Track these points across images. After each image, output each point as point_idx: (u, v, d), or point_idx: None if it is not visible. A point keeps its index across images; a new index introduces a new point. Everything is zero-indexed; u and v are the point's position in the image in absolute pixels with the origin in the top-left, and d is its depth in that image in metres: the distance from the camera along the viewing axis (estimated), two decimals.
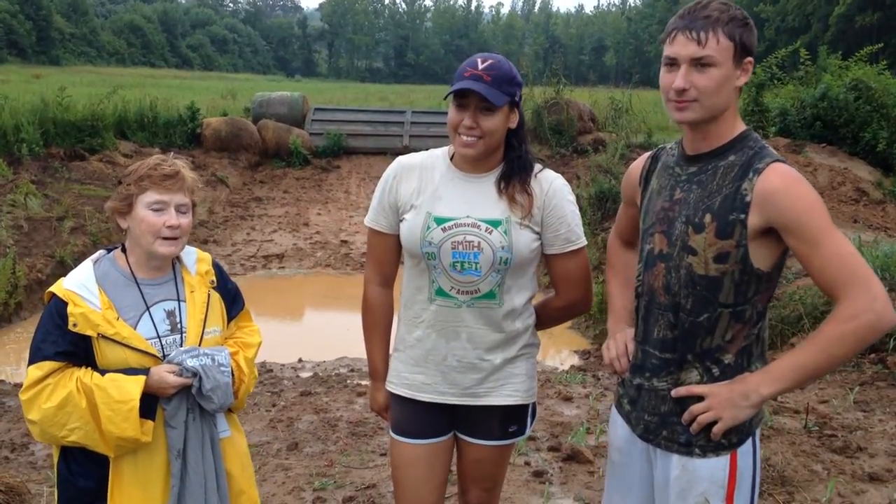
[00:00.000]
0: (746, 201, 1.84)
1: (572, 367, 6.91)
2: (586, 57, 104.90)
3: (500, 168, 2.35)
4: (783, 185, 1.81)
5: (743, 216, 1.85)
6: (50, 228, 9.84)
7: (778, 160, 1.86)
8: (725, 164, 1.92)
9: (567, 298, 2.47)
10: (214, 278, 2.38)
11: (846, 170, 12.11)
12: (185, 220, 2.23)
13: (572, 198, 2.39)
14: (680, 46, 1.88)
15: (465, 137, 2.25)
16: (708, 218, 1.90)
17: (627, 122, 15.11)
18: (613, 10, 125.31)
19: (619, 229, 2.40)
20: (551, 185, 2.35)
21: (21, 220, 9.74)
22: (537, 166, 2.38)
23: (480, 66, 2.22)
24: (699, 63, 1.87)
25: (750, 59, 1.89)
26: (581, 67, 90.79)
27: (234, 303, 2.44)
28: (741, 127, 1.96)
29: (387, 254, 2.47)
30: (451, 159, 2.39)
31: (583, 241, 2.39)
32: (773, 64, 14.75)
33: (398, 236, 2.41)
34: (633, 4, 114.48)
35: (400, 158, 2.46)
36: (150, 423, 2.11)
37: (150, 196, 2.16)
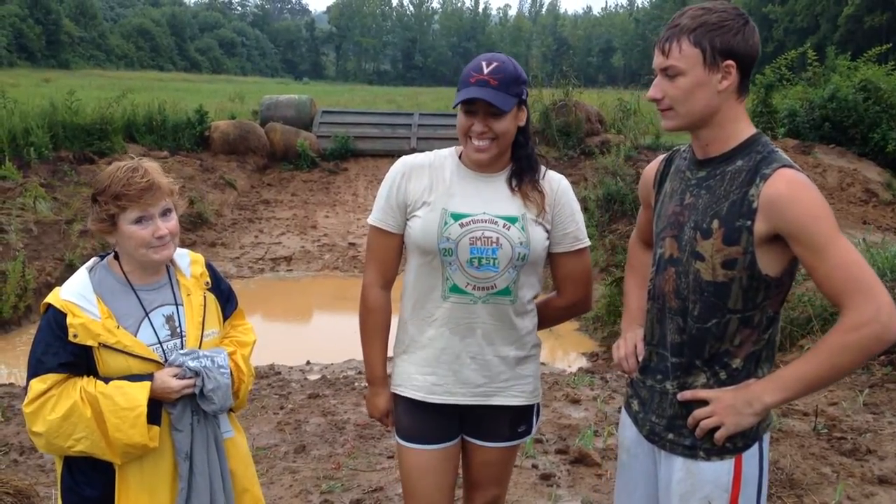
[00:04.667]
0: (753, 208, 1.82)
1: (580, 369, 6.89)
2: (594, 58, 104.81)
3: (510, 167, 2.36)
4: (788, 192, 1.78)
5: (749, 223, 1.83)
6: (59, 231, 9.88)
7: (786, 165, 1.83)
8: (733, 170, 1.90)
9: (569, 298, 2.49)
10: (209, 279, 2.37)
11: (855, 171, 12.08)
12: (172, 224, 2.20)
13: (574, 197, 2.43)
14: (654, 58, 1.93)
15: (477, 142, 2.25)
16: (716, 224, 1.88)
17: (635, 123, 15.10)
18: (621, 11, 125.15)
19: (640, 231, 2.40)
20: (559, 185, 2.40)
21: (30, 224, 9.78)
22: (542, 167, 2.40)
23: (486, 70, 2.20)
24: (667, 73, 1.90)
25: (730, 61, 1.85)
26: (589, 69, 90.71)
27: (227, 303, 2.43)
28: (750, 131, 1.93)
29: (390, 255, 2.44)
30: (460, 158, 2.39)
31: (587, 241, 2.42)
32: (782, 65, 14.72)
33: (402, 237, 2.39)
34: (640, 5, 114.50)
35: (405, 158, 2.44)
36: (156, 428, 2.11)
37: (132, 213, 2.11)
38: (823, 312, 5.96)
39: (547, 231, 2.35)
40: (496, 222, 2.29)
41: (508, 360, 2.39)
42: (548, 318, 2.54)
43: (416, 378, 2.42)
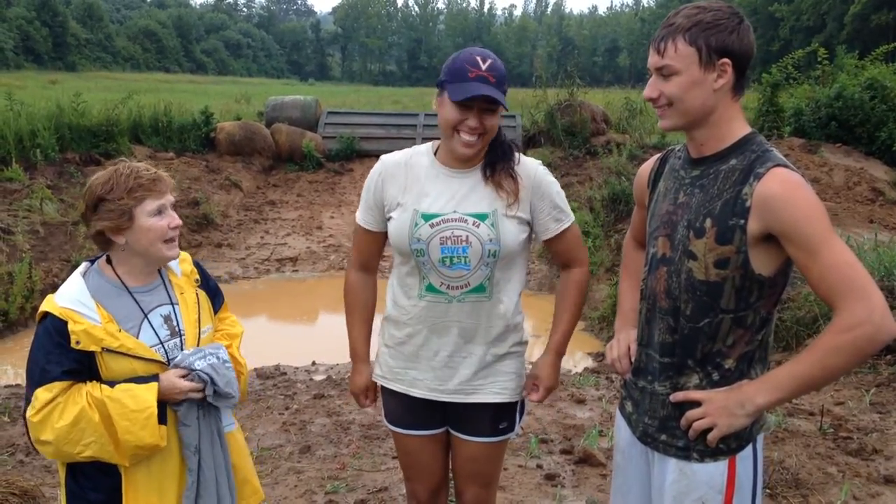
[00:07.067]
0: (746, 206, 1.81)
1: (586, 369, 6.88)
2: (599, 58, 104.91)
3: (484, 159, 2.38)
4: (782, 192, 1.77)
5: (742, 221, 1.82)
6: (65, 233, 9.91)
7: (780, 165, 1.82)
8: (727, 168, 1.89)
9: (580, 267, 2.52)
10: (199, 277, 2.40)
11: (862, 170, 12.02)
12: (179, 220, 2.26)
13: (552, 178, 2.44)
14: (649, 57, 1.93)
15: (467, 137, 2.27)
16: (708, 223, 1.87)
17: (641, 123, 15.05)
18: (627, 10, 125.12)
19: (634, 231, 2.41)
20: (536, 171, 2.40)
21: (37, 225, 9.82)
22: (517, 154, 2.42)
23: (483, 67, 2.23)
24: (662, 72, 1.89)
25: (725, 60, 1.84)
26: (594, 69, 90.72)
27: (215, 298, 2.47)
28: (744, 130, 1.93)
29: (372, 248, 2.56)
30: (436, 154, 2.42)
31: (571, 217, 2.45)
32: (789, 64, 14.68)
33: (385, 233, 2.47)
34: (646, 5, 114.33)
35: (384, 157, 2.49)
36: (164, 427, 2.12)
37: (150, 204, 2.14)
38: (829, 312, 5.91)
39: (527, 223, 2.38)
40: (466, 220, 2.32)
41: (486, 358, 2.42)
42: (573, 295, 2.51)
43: (398, 371, 2.49)
